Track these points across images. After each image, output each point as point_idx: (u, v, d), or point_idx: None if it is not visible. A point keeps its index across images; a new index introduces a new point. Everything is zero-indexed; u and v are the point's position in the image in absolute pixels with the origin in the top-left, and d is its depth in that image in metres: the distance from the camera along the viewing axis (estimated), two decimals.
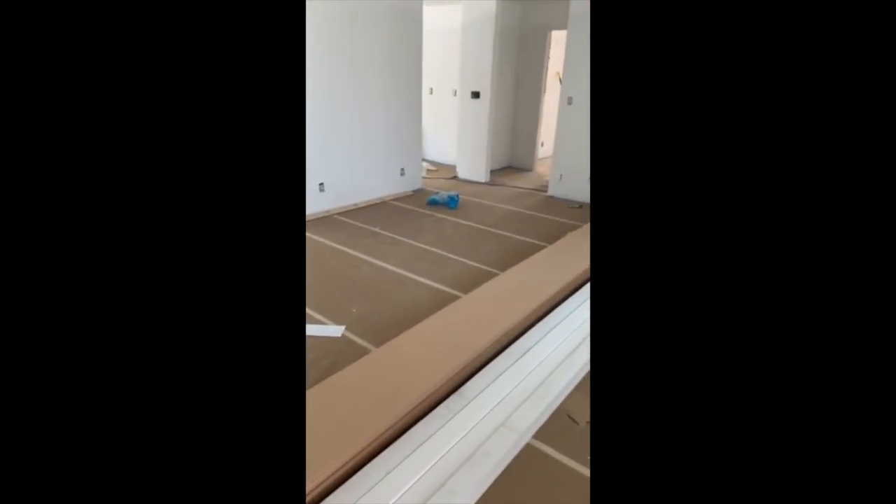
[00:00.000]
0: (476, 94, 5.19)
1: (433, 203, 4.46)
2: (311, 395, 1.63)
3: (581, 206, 4.60)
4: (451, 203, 4.39)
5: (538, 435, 1.63)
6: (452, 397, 1.71)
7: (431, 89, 6.24)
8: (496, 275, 2.90)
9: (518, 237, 3.68)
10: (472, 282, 2.81)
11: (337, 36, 3.70)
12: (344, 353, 2.07)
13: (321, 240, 3.44)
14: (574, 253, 3.08)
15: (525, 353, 2.00)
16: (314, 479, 1.28)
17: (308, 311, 2.43)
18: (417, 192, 4.88)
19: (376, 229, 3.71)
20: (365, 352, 2.09)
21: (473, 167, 5.51)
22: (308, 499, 1.26)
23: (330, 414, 1.54)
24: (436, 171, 5.99)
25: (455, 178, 5.63)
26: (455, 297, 2.61)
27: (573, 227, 3.92)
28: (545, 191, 5.10)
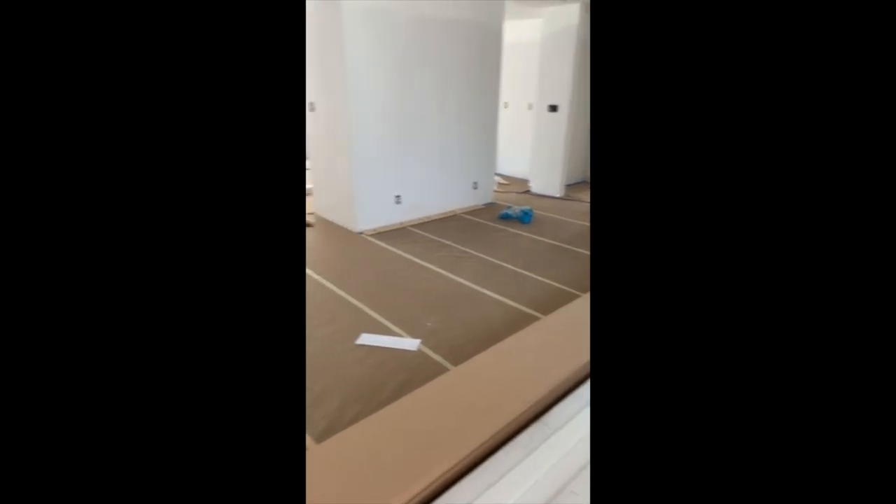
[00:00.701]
0: (553, 108, 5.07)
1: (505, 217, 4.37)
2: (386, 413, 1.60)
3: None
4: (525, 218, 4.27)
5: None
6: (535, 425, 1.60)
7: (506, 103, 6.20)
8: (575, 295, 2.75)
9: None
10: (548, 301, 2.68)
11: (419, 51, 3.75)
12: (419, 369, 2.03)
13: (396, 251, 3.46)
14: None
15: None
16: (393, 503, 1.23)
17: (384, 321, 2.43)
18: (489, 206, 4.82)
19: (448, 242, 3.68)
20: (440, 367, 2.03)
21: (548, 181, 5.36)
22: None
23: (406, 434, 1.49)
24: (507, 185, 5.90)
25: (527, 192, 5.51)
26: (531, 317, 2.50)
27: None
28: None
